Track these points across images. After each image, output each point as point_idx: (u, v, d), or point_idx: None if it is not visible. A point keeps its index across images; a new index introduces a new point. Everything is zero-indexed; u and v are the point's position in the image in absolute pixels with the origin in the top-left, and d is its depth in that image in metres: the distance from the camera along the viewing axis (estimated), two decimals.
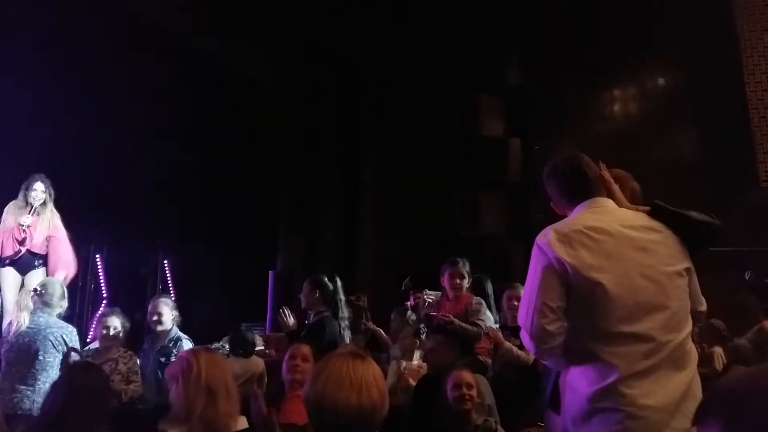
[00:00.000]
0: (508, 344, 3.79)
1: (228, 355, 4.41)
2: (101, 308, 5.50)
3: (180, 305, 4.35)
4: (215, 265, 7.51)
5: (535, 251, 1.94)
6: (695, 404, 0.99)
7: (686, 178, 6.46)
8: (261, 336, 5.84)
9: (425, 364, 3.91)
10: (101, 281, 6.01)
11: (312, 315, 4.20)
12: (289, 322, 4.07)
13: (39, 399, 3.55)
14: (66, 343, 3.74)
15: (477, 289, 4.32)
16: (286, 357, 3.22)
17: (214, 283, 7.60)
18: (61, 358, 3.72)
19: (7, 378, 3.63)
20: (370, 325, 5.08)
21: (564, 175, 2.09)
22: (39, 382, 3.61)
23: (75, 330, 3.93)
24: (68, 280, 4.65)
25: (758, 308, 4.76)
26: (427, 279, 4.58)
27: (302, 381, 2.93)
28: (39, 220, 4.73)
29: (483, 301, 4.05)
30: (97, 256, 6.00)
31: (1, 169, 5.07)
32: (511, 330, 3.93)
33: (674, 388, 1.77)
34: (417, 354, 4.12)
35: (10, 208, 4.76)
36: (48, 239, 4.76)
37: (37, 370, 3.63)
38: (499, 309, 4.42)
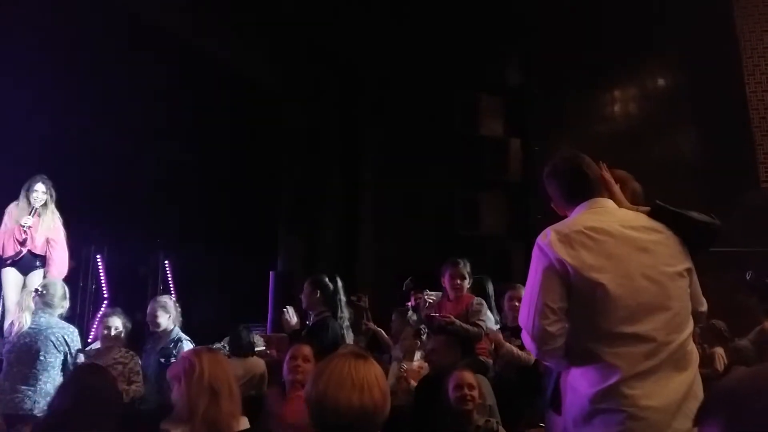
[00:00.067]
0: (508, 345, 3.80)
1: (228, 356, 4.41)
2: (102, 308, 5.50)
3: (180, 305, 4.35)
4: (215, 265, 7.51)
5: (535, 252, 1.94)
6: (696, 405, 0.99)
7: (686, 179, 6.46)
8: (262, 336, 5.85)
9: (426, 364, 3.91)
10: (102, 281, 6.01)
11: (313, 315, 4.20)
12: (291, 322, 4.08)
13: (40, 399, 3.57)
14: (67, 344, 3.74)
15: (478, 289, 4.33)
16: (287, 357, 3.23)
17: (214, 283, 7.60)
18: (62, 358, 3.73)
19: (8, 378, 3.63)
20: (371, 325, 5.08)
21: (564, 175, 2.09)
22: (40, 383, 3.62)
23: (76, 330, 3.94)
24: None
25: (759, 309, 4.77)
26: (427, 279, 4.59)
27: (303, 381, 2.94)
28: (40, 221, 4.74)
29: (484, 302, 4.05)
30: (98, 256, 6.00)
31: (1, 169, 5.07)
32: (511, 330, 3.94)
33: (676, 389, 1.77)
34: (418, 354, 4.13)
35: (11, 208, 4.78)
36: (47, 241, 4.78)
37: (38, 371, 3.63)
38: (499, 309, 4.42)
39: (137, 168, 6.67)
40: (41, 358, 3.65)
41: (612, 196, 2.10)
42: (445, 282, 4.10)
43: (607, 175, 2.16)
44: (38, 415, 3.47)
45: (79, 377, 2.40)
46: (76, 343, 3.82)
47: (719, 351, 4.60)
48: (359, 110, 8.87)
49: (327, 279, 4.21)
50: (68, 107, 5.91)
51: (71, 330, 3.85)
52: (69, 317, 4.16)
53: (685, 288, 1.92)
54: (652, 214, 2.00)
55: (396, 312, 4.90)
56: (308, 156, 8.57)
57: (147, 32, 6.51)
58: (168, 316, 4.11)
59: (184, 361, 2.09)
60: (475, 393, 3.05)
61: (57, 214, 4.87)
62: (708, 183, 6.25)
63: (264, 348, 5.56)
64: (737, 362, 4.22)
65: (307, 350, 3.21)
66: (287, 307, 4.12)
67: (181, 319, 4.24)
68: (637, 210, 2.07)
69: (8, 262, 4.71)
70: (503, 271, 6.26)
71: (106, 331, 4.06)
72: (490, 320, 4.15)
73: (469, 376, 3.09)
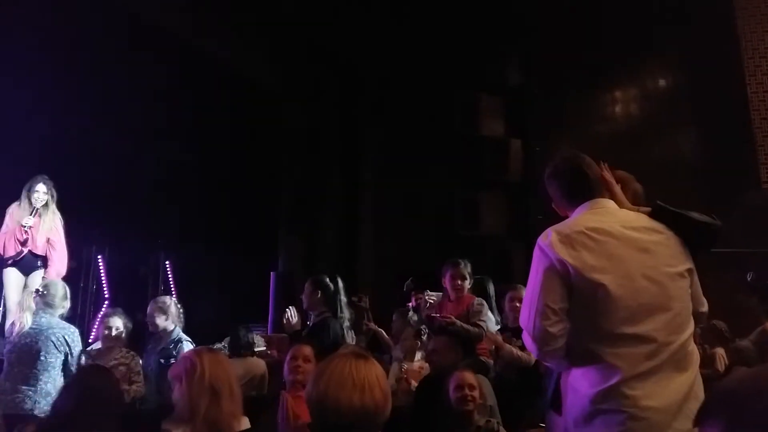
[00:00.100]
0: (508, 346, 3.80)
1: (228, 356, 4.41)
2: (103, 309, 5.51)
3: (181, 305, 4.35)
4: (215, 265, 7.51)
5: (536, 252, 1.93)
6: (697, 405, 0.99)
7: (686, 179, 6.46)
8: (263, 336, 5.85)
9: (427, 364, 3.91)
10: (103, 282, 6.01)
11: (313, 316, 4.20)
12: (293, 322, 4.08)
13: (40, 399, 3.57)
14: (68, 344, 3.74)
15: (478, 290, 4.33)
16: (288, 357, 3.22)
17: (214, 283, 7.60)
18: (62, 358, 3.73)
19: (9, 378, 3.64)
20: (372, 325, 5.08)
21: (565, 175, 2.09)
22: (41, 383, 3.62)
23: (77, 331, 3.94)
24: None
25: (759, 310, 4.76)
26: (427, 279, 4.59)
27: (304, 382, 2.93)
28: (41, 221, 4.75)
29: (485, 302, 4.06)
30: (99, 256, 6.01)
31: (1, 169, 5.07)
32: (512, 331, 3.94)
33: (676, 390, 1.77)
34: (418, 355, 4.13)
35: (12, 209, 4.78)
36: (48, 241, 4.79)
37: (38, 371, 3.63)
38: (500, 310, 4.42)
39: (137, 168, 6.67)
40: (42, 358, 3.65)
41: (613, 197, 2.10)
42: (446, 282, 4.10)
43: (608, 175, 2.16)
44: (38, 415, 3.47)
45: (83, 378, 2.41)
46: (76, 343, 3.82)
47: (720, 351, 4.60)
48: (359, 110, 8.87)
49: (328, 279, 4.21)
50: (68, 107, 5.91)
51: (72, 330, 3.85)
52: (70, 317, 4.16)
53: (686, 288, 1.92)
54: (652, 215, 2.00)
55: (397, 312, 4.90)
56: (308, 156, 8.57)
57: (147, 32, 6.51)
58: (166, 317, 4.11)
59: (186, 361, 2.09)
60: (476, 393, 3.05)
61: (58, 215, 4.88)
62: (708, 183, 6.26)
63: (265, 348, 5.56)
64: (738, 363, 4.21)
65: (307, 350, 3.20)
66: (290, 307, 4.12)
67: (182, 319, 4.24)
68: (638, 210, 2.07)
69: (9, 262, 4.72)
70: (503, 271, 6.26)
71: (106, 332, 4.06)
72: (491, 321, 4.16)
73: (469, 377, 3.09)
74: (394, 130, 8.24)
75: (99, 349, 4.19)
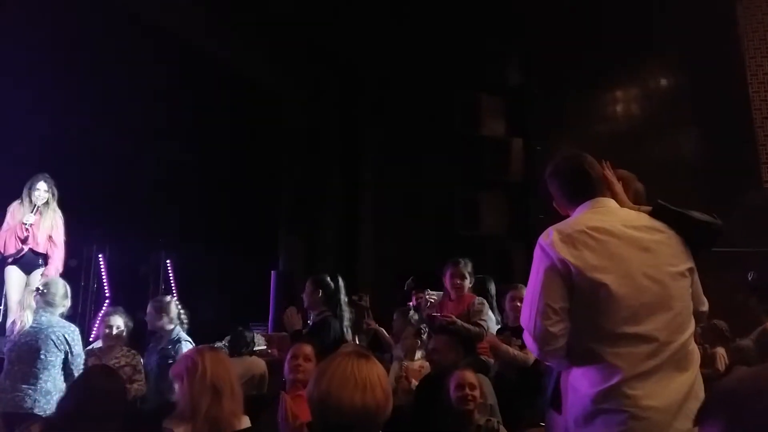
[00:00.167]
0: (504, 346, 3.80)
1: (229, 355, 4.41)
2: (104, 308, 5.52)
3: (181, 305, 4.36)
4: (216, 264, 7.51)
5: (537, 252, 1.93)
6: (698, 405, 0.98)
7: (687, 179, 6.46)
8: (263, 336, 5.86)
9: (427, 363, 3.92)
10: (104, 281, 6.02)
11: (314, 315, 4.20)
12: (294, 321, 4.08)
13: (40, 398, 3.57)
14: (68, 343, 3.74)
15: (479, 289, 4.33)
16: (288, 357, 3.22)
17: (214, 282, 7.60)
18: (63, 357, 3.72)
19: (9, 377, 3.63)
20: (373, 324, 5.08)
21: (566, 174, 2.09)
22: (41, 381, 3.61)
23: (78, 329, 3.93)
24: None
25: (759, 309, 4.76)
26: (427, 279, 4.59)
27: (304, 381, 2.93)
28: (41, 219, 4.75)
29: (485, 302, 4.05)
30: (100, 255, 6.02)
31: (1, 169, 5.07)
32: (512, 331, 3.94)
33: (677, 389, 1.76)
34: (419, 354, 4.13)
35: (14, 207, 4.79)
36: (49, 239, 4.80)
37: (38, 370, 3.63)
38: (501, 309, 4.43)
39: (137, 168, 6.68)
40: (42, 357, 3.64)
41: (614, 196, 2.10)
42: (447, 281, 4.10)
43: (609, 174, 2.16)
44: (38, 413, 3.48)
45: (90, 378, 2.41)
46: (77, 342, 3.82)
47: (720, 351, 4.60)
48: (359, 110, 8.88)
49: (328, 278, 4.21)
50: (68, 107, 5.91)
51: (72, 329, 3.85)
52: (70, 316, 4.15)
53: (687, 288, 1.92)
54: (653, 214, 2.00)
55: (397, 311, 4.90)
56: (308, 156, 8.58)
57: (147, 32, 6.51)
58: (164, 316, 4.10)
59: (187, 360, 2.09)
60: (476, 393, 3.05)
61: (59, 213, 4.89)
62: (709, 183, 6.25)
63: (265, 347, 5.57)
64: (739, 362, 4.21)
65: (308, 349, 3.20)
66: (291, 306, 4.12)
67: (183, 318, 4.24)
68: (639, 210, 2.07)
69: (10, 260, 4.73)
70: (503, 271, 6.27)
71: (107, 330, 4.06)
72: (492, 320, 4.16)
73: (470, 376, 3.09)
74: (394, 130, 8.25)
75: (100, 347, 4.19)
